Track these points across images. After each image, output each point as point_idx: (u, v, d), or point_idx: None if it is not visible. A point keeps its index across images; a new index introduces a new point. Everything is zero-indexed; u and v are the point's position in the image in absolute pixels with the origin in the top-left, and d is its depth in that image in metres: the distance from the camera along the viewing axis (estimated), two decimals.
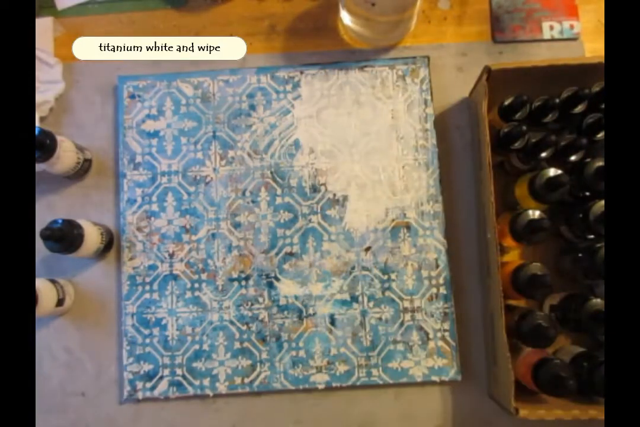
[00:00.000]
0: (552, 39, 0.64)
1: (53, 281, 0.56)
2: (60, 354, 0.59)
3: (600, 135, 0.54)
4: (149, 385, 0.58)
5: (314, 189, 0.61)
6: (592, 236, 0.54)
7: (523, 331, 0.50)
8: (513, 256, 0.59)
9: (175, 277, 0.60)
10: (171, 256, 0.60)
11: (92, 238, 0.56)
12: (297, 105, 0.63)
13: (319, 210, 0.61)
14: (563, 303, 0.54)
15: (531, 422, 0.48)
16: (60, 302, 0.56)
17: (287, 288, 0.59)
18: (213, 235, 0.60)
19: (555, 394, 0.49)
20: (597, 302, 0.51)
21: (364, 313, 0.58)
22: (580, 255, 0.54)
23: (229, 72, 0.63)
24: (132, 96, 0.63)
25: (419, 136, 0.62)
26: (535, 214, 0.52)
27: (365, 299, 0.59)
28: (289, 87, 0.63)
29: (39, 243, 0.51)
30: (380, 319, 0.58)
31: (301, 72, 0.63)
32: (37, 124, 0.62)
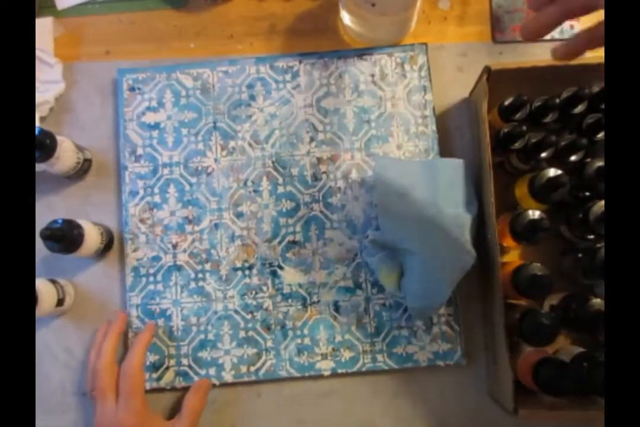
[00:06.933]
0: (552, 39, 0.64)
1: (53, 281, 0.56)
2: (60, 354, 0.59)
3: (600, 135, 0.54)
4: (155, 375, 0.58)
5: (315, 177, 0.61)
6: (592, 236, 0.54)
7: (524, 329, 0.50)
8: (513, 256, 0.59)
9: (179, 268, 0.60)
10: (174, 246, 0.60)
11: (92, 238, 0.56)
12: (297, 94, 0.63)
13: (320, 199, 0.61)
14: (563, 303, 0.54)
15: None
16: (60, 302, 0.56)
17: (290, 276, 0.59)
18: (216, 225, 0.60)
19: (555, 394, 0.49)
20: (597, 302, 0.51)
21: (367, 299, 0.59)
22: (580, 255, 0.54)
23: (227, 62, 0.63)
24: (131, 89, 0.63)
25: (418, 123, 0.62)
26: (535, 214, 0.52)
27: (369, 286, 0.59)
28: (288, 77, 0.63)
29: (39, 243, 0.51)
30: (384, 305, 0.58)
31: (300, 62, 0.63)
32: (37, 124, 0.62)
